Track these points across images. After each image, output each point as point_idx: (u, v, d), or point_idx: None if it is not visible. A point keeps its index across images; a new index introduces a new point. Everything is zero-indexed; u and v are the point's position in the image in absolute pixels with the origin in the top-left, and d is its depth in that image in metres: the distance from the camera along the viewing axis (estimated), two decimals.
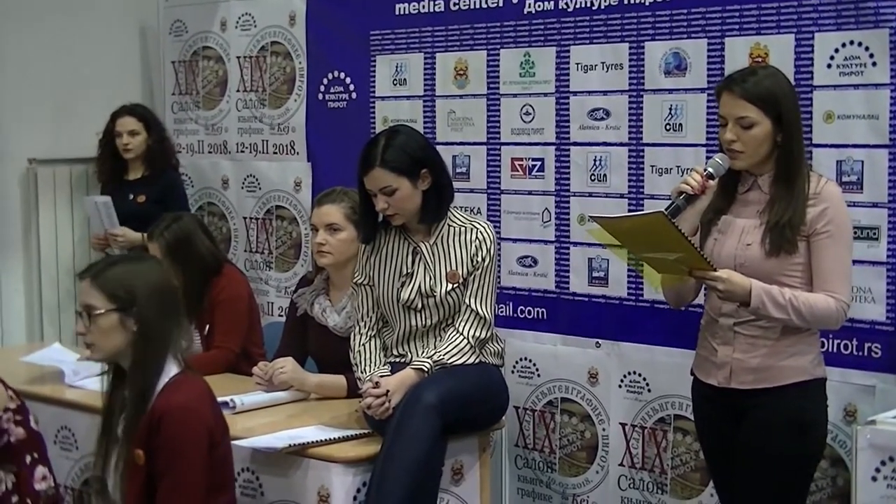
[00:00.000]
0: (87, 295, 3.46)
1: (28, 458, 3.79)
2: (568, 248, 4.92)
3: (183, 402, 3.39)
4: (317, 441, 3.82)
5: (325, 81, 5.81)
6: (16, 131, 6.34)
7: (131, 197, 6.00)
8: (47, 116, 6.47)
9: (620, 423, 4.80)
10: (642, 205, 4.68)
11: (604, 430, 4.85)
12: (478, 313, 4.05)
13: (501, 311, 4.99)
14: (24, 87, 6.35)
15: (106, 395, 3.56)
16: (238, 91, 6.22)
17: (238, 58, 6.21)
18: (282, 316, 5.54)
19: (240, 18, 6.19)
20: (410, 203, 4.06)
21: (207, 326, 4.86)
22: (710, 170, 3.59)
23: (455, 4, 5.23)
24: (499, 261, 4.60)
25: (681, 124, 4.58)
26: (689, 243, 3.42)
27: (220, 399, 4.16)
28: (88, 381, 4.48)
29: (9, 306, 6.30)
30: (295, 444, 3.80)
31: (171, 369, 3.46)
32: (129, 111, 6.08)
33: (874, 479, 3.34)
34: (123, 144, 6.03)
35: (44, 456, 3.83)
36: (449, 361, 3.97)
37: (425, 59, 5.36)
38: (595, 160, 4.82)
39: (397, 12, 5.44)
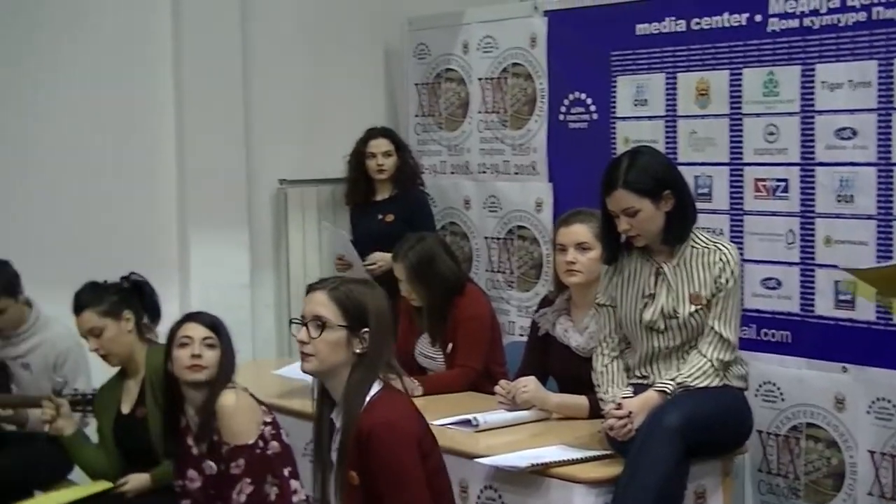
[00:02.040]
0: (319, 306, 3.43)
1: (286, 471, 3.94)
2: (813, 270, 4.82)
3: (386, 418, 3.35)
4: (559, 461, 3.84)
5: (566, 102, 5.84)
6: (267, 154, 6.58)
7: (379, 217, 6.17)
8: (296, 139, 6.70)
9: (869, 451, 4.66)
10: (891, 226, 4.56)
11: (851, 457, 4.72)
12: (721, 336, 4.01)
13: (745, 334, 4.90)
14: (274, 111, 6.59)
15: (316, 419, 3.55)
16: (480, 112, 6.31)
17: (480, 79, 6.30)
18: (522, 335, 5.59)
19: (481, 41, 6.28)
20: (653, 224, 4.05)
21: (450, 345, 4.93)
22: None
23: (696, 24, 5.20)
24: (742, 282, 4.54)
25: None
26: None
27: (463, 417, 4.27)
28: None
29: (260, 321, 6.52)
30: (537, 464, 3.82)
31: (374, 388, 3.44)
32: (381, 133, 6.26)
33: None
34: (378, 165, 6.20)
35: (296, 469, 3.97)
36: (692, 384, 3.95)
37: (666, 79, 5.34)
38: (841, 181, 4.71)
39: (638, 32, 5.44)
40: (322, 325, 3.41)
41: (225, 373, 4.09)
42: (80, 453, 4.59)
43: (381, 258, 5.87)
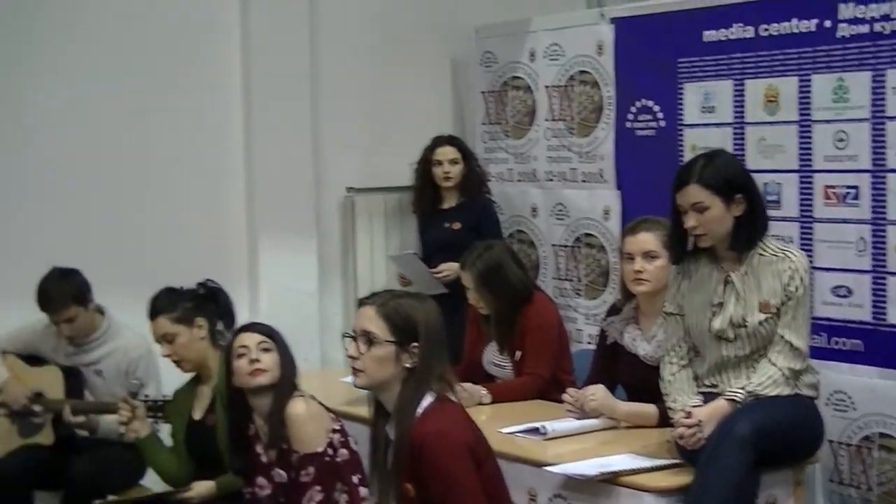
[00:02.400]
0: (368, 321, 3.44)
1: (355, 479, 3.96)
2: (885, 278, 4.78)
3: (436, 428, 3.36)
4: (628, 470, 3.83)
5: (634, 109, 5.83)
6: (335, 162, 6.63)
7: (446, 225, 6.19)
8: (364, 147, 6.75)
9: None
10: None
11: None
12: (791, 344, 3.97)
13: (815, 342, 4.86)
14: (342, 119, 6.65)
15: (372, 431, 3.57)
16: (546, 120, 6.32)
17: (546, 87, 6.30)
18: (590, 343, 5.58)
19: (548, 48, 6.29)
20: (720, 225, 4.02)
21: (518, 353, 4.93)
22: None
23: (765, 30, 5.18)
24: (812, 290, 4.52)
25: None
26: None
27: (531, 425, 4.27)
28: None
29: (329, 329, 6.55)
30: (607, 472, 3.82)
31: (426, 400, 3.44)
32: (448, 141, 6.28)
33: None
34: (444, 173, 6.22)
35: (365, 476, 3.99)
36: (762, 393, 3.92)
37: (734, 85, 5.32)
38: None
39: (705, 39, 5.43)
40: (370, 340, 3.42)
41: (287, 377, 4.13)
42: (155, 456, 4.64)
43: (448, 268, 5.89)
